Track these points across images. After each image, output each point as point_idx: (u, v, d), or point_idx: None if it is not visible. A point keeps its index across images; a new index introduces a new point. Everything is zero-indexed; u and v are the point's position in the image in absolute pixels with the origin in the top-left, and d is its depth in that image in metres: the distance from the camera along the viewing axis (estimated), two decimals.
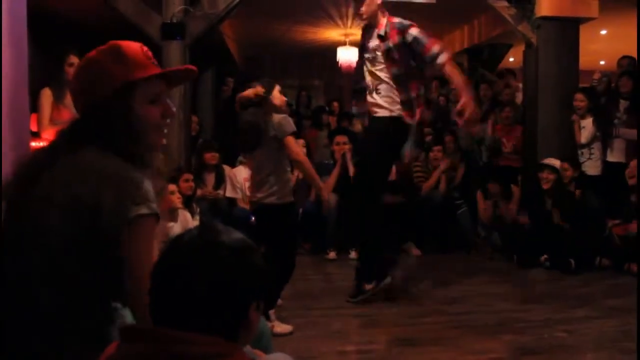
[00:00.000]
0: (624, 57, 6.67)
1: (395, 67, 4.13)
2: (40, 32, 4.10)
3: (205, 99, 8.21)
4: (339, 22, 8.95)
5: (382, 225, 4.34)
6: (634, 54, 6.03)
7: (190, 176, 4.91)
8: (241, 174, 5.88)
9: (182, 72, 1.76)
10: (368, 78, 4.26)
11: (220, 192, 5.95)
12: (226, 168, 6.14)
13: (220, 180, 5.98)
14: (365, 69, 4.29)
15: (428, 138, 7.07)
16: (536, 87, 6.32)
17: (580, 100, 6.03)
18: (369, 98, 4.27)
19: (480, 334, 3.61)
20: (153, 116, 1.60)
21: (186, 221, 4.55)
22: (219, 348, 1.07)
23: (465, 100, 3.94)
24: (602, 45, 10.06)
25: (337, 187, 5.79)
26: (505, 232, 5.89)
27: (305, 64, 12.16)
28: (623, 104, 5.99)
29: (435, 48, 4.02)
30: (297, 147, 3.62)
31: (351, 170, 5.64)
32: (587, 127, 6.01)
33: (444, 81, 9.12)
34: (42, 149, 1.64)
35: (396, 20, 4.15)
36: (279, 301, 3.81)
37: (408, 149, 6.10)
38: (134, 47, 1.61)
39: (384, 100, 4.18)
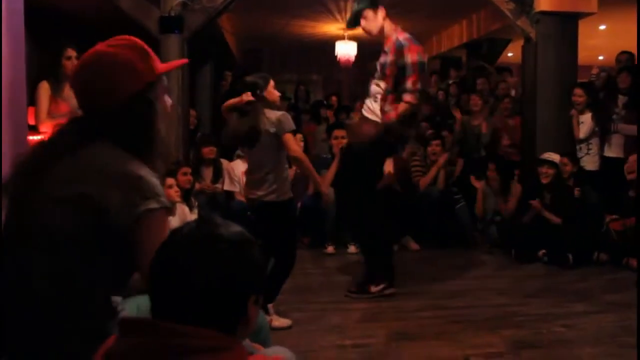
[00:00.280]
0: (623, 52, 6.66)
1: (386, 83, 4.16)
2: (38, 25, 4.08)
3: (203, 93, 8.19)
4: (338, 17, 8.93)
5: (383, 223, 4.34)
6: (633, 50, 6.01)
7: (188, 170, 4.91)
8: (239, 167, 5.87)
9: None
10: (373, 85, 4.29)
11: (218, 185, 5.96)
12: (224, 162, 6.16)
13: (218, 174, 5.99)
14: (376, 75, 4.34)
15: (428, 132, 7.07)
16: (535, 82, 6.30)
17: (579, 95, 6.02)
18: (367, 101, 4.31)
19: (478, 328, 3.62)
20: (167, 108, 1.68)
21: (184, 215, 4.56)
22: (217, 341, 1.07)
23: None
24: (601, 41, 10.06)
25: (335, 181, 5.78)
26: (504, 226, 5.89)
27: (303, 58, 12.15)
28: (621, 99, 5.99)
29: (409, 84, 4.05)
30: (295, 145, 3.61)
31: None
32: (585, 122, 6.01)
33: (443, 75, 9.16)
34: (43, 143, 1.62)
35: (403, 37, 4.12)
36: None
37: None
38: (143, 43, 1.65)
39: (376, 108, 4.22)
